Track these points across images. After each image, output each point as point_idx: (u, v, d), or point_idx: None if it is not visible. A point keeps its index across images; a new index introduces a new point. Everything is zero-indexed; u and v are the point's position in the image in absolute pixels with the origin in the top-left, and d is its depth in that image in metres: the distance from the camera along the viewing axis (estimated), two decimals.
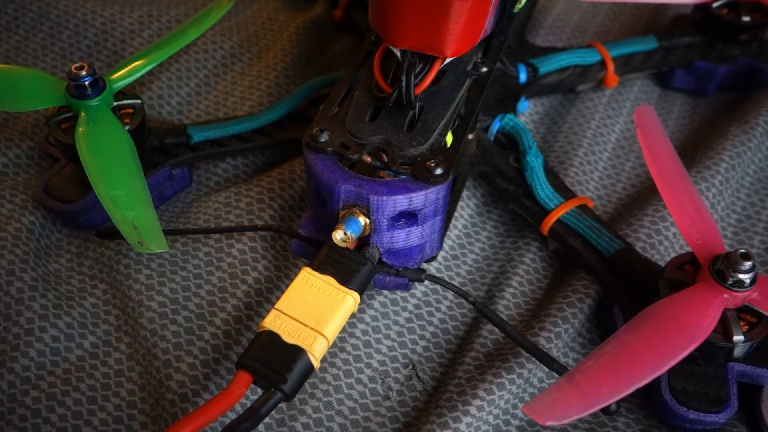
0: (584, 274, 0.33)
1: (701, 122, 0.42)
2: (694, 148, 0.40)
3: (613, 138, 0.41)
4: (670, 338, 0.25)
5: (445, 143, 0.29)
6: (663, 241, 0.34)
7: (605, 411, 0.26)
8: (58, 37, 0.44)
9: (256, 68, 0.44)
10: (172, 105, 0.41)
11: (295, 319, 0.24)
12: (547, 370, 0.31)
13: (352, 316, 0.32)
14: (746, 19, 0.41)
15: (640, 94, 0.43)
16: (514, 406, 0.30)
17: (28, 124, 0.39)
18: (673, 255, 0.34)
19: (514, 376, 0.30)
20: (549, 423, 0.23)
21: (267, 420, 0.29)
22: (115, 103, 0.33)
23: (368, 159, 0.28)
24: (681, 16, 0.44)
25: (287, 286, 0.26)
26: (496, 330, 0.32)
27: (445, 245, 0.35)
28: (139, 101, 0.34)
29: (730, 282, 0.27)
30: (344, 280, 0.26)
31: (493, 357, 0.31)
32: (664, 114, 0.43)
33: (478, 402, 0.29)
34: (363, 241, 0.28)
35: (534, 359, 0.29)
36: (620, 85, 0.43)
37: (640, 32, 0.47)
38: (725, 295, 0.27)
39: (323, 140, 0.28)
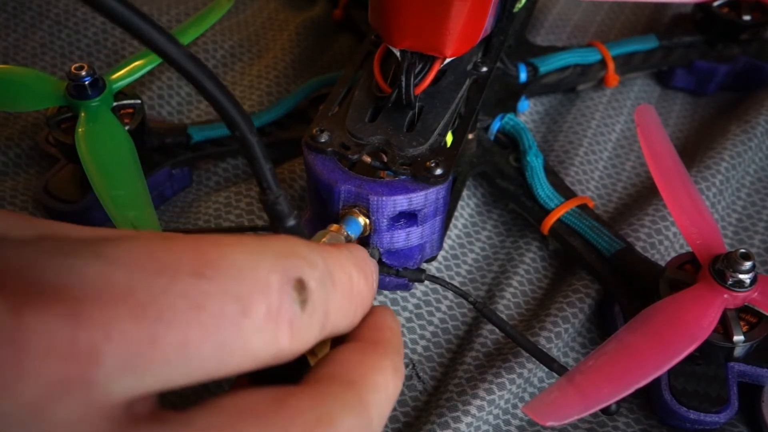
0: (584, 274, 0.33)
1: (702, 122, 0.42)
2: (695, 148, 0.40)
3: (613, 138, 0.40)
4: (670, 338, 0.25)
5: (445, 143, 0.28)
6: (663, 240, 0.34)
7: (605, 411, 0.26)
8: (58, 36, 0.44)
9: (256, 68, 0.44)
10: (172, 105, 0.41)
11: None
12: (547, 369, 0.31)
13: None
14: (747, 18, 0.41)
15: (641, 94, 0.43)
16: (515, 406, 0.30)
17: (28, 124, 0.39)
18: (673, 255, 0.34)
19: (515, 375, 0.30)
20: (549, 423, 0.23)
21: None
22: (115, 103, 0.33)
23: (368, 159, 0.28)
24: (681, 15, 0.44)
25: None
26: (497, 330, 0.32)
27: (445, 245, 0.35)
28: (139, 101, 0.34)
29: (730, 282, 0.27)
30: None
31: (494, 357, 0.31)
32: (665, 113, 0.43)
33: (478, 402, 0.29)
34: (363, 241, 0.28)
35: (534, 359, 0.29)
36: (620, 85, 0.43)
37: (640, 31, 0.47)
38: (725, 295, 0.27)
39: (323, 140, 0.27)
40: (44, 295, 0.10)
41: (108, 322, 0.11)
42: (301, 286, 0.14)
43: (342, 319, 0.16)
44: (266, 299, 0.13)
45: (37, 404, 0.10)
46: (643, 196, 0.38)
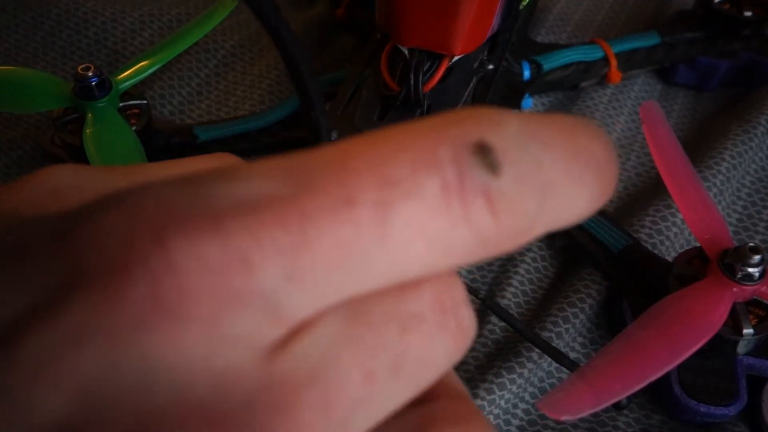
0: (585, 274, 0.33)
1: (703, 119, 0.42)
2: (696, 146, 0.40)
3: (614, 137, 0.41)
4: (680, 333, 0.25)
5: None
6: (664, 241, 0.34)
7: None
8: (59, 36, 0.44)
9: (258, 67, 0.44)
10: (173, 105, 0.41)
11: None
12: (547, 369, 0.31)
13: None
14: (748, 14, 0.41)
15: (642, 92, 0.43)
16: (515, 406, 0.30)
17: (31, 126, 0.39)
18: (674, 254, 0.34)
19: (515, 375, 0.30)
20: (564, 417, 0.23)
21: None
22: (121, 104, 0.33)
23: None
24: (683, 11, 0.44)
25: None
26: (498, 329, 0.32)
27: None
28: (145, 101, 0.34)
29: (739, 276, 0.27)
30: None
31: (494, 356, 0.31)
32: (667, 110, 0.43)
33: (478, 401, 0.29)
34: None
35: (534, 359, 0.29)
36: (622, 82, 0.43)
37: (641, 28, 0.47)
38: (734, 289, 0.27)
39: (332, 139, 0.28)
40: (183, 221, 0.10)
41: (253, 230, 0.10)
42: (483, 148, 0.10)
43: (575, 190, 0.11)
44: (437, 173, 0.10)
45: (208, 323, 0.09)
46: (644, 195, 0.38)
